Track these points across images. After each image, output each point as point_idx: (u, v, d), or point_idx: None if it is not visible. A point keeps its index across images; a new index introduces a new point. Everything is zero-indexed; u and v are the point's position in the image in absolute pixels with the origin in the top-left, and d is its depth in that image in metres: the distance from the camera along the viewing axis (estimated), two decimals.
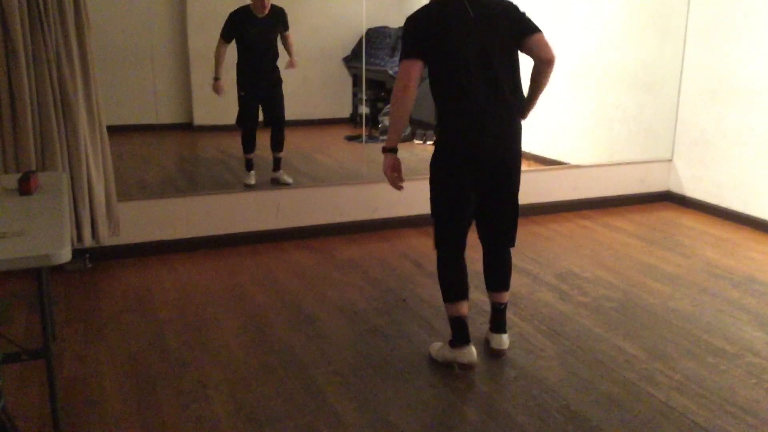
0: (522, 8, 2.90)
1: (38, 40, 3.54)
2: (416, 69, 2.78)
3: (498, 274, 3.12)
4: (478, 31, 2.79)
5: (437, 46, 2.79)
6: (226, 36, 5.10)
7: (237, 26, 5.09)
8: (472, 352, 2.96)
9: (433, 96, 2.92)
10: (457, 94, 2.81)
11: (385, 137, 6.64)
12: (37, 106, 3.62)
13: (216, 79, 5.15)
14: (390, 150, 2.90)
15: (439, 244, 3.01)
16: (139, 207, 4.27)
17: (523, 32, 2.84)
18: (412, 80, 2.77)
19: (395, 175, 2.92)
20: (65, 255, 2.03)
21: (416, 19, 2.84)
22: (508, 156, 2.92)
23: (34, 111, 3.61)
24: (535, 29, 2.85)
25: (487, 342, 3.18)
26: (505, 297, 3.13)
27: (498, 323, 3.14)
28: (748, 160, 5.04)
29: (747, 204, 5.08)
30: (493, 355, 3.11)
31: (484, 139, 2.82)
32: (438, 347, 3.08)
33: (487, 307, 3.56)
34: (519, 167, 2.98)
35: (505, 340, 3.13)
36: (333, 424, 2.56)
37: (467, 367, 2.95)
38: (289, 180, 5.26)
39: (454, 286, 2.98)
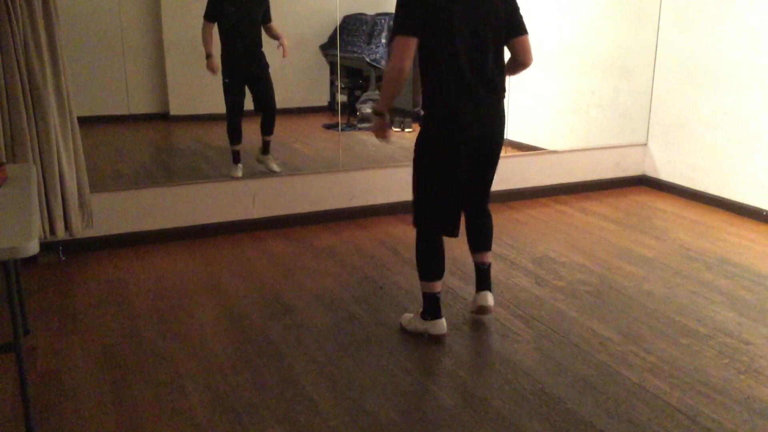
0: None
1: (5, 30, 3.48)
2: (412, 46, 2.75)
3: (480, 235, 3.24)
4: (472, 12, 2.80)
5: (431, 24, 2.77)
6: (208, 15, 5.00)
7: (218, 5, 5.00)
8: (443, 324, 3.09)
9: (421, 74, 2.91)
10: (447, 74, 2.83)
11: (364, 125, 6.61)
12: (6, 97, 3.56)
13: (208, 56, 5.03)
14: (380, 114, 2.94)
15: (421, 224, 3.04)
16: (114, 198, 4.23)
17: (513, 31, 2.92)
18: (408, 59, 2.76)
19: (384, 132, 2.99)
20: (32, 248, 2.01)
21: None
22: (493, 137, 2.99)
23: (2, 103, 3.55)
24: (523, 31, 2.94)
25: (474, 301, 3.29)
26: (488, 257, 3.27)
27: (483, 282, 3.27)
28: (723, 143, 5.09)
29: (721, 187, 5.13)
30: (478, 311, 3.25)
31: (471, 120, 2.86)
32: (409, 318, 3.18)
33: (462, 293, 3.59)
34: (500, 147, 3.06)
35: (489, 297, 3.26)
36: (309, 412, 2.56)
37: (438, 338, 3.07)
38: (277, 168, 5.19)
39: (432, 266, 3.07)
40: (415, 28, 2.75)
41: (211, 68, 5.05)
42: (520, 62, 2.99)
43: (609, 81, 5.95)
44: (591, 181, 5.62)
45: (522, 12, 2.95)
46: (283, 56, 5.20)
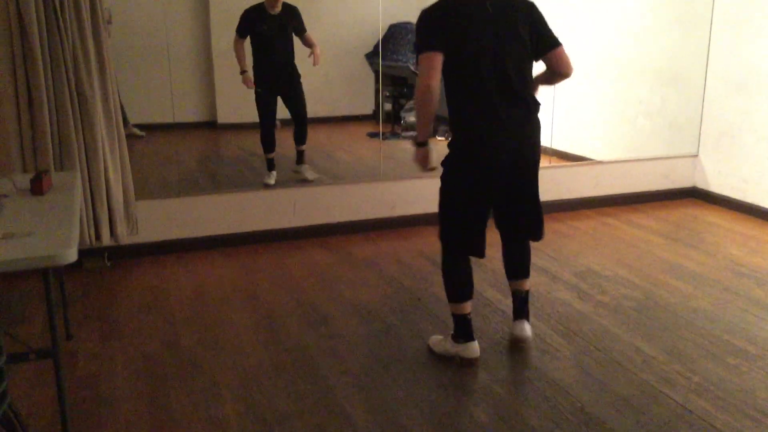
0: (540, 7, 2.84)
1: (55, 40, 3.57)
2: (438, 61, 2.67)
3: (517, 262, 3.11)
4: (495, 30, 2.72)
5: (452, 43, 2.70)
6: (240, 32, 5.19)
7: (250, 22, 5.15)
8: (476, 347, 2.98)
9: (446, 96, 2.84)
10: (473, 96, 2.75)
11: (408, 134, 6.60)
12: (55, 106, 3.65)
13: (243, 72, 5.21)
14: (421, 144, 2.83)
15: (446, 245, 2.98)
16: (158, 206, 4.29)
17: (545, 46, 2.83)
18: (435, 75, 2.68)
19: (427, 162, 2.85)
20: (71, 255, 2.03)
21: (431, 12, 2.75)
22: (526, 158, 2.86)
23: (51, 111, 3.64)
24: (556, 43, 2.84)
25: (511, 330, 3.16)
26: (526, 285, 3.13)
27: (519, 310, 3.14)
28: None
29: None
30: (514, 342, 3.12)
31: (500, 144, 2.77)
32: (438, 340, 3.10)
33: (501, 305, 3.53)
34: (537, 168, 2.93)
35: (527, 327, 3.12)
36: (342, 424, 2.54)
37: (470, 362, 2.96)
38: (311, 177, 5.23)
39: (459, 288, 2.98)
40: (437, 43, 2.68)
41: (245, 83, 5.20)
42: (558, 73, 2.89)
43: (658, 90, 5.81)
44: (638, 192, 5.48)
45: (564, 21, 2.87)
46: (314, 64, 5.27)
